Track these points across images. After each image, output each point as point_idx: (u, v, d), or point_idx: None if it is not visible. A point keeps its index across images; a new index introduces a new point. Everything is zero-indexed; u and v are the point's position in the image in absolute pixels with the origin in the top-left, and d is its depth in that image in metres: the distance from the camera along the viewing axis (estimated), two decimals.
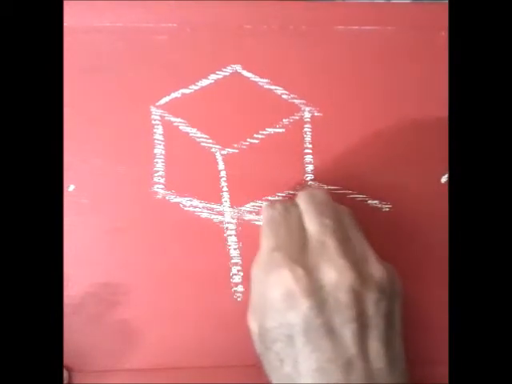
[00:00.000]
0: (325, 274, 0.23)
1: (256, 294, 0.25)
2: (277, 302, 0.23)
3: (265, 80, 0.29)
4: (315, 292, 0.23)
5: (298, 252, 0.24)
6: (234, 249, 0.30)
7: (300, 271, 0.23)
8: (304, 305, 0.22)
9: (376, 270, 0.24)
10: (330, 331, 0.22)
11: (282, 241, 0.25)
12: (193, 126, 0.30)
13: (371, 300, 0.23)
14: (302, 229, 0.25)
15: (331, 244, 0.24)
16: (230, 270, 0.30)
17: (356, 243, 0.25)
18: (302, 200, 0.26)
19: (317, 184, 0.30)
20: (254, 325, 0.25)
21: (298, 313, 0.23)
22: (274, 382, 0.24)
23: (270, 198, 0.30)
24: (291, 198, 0.28)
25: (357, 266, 0.23)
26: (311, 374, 0.22)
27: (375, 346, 0.23)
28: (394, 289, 0.24)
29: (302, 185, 0.30)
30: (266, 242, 0.25)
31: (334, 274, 0.23)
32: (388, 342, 0.23)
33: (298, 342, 0.23)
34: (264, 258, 0.25)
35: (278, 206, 0.27)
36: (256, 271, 0.25)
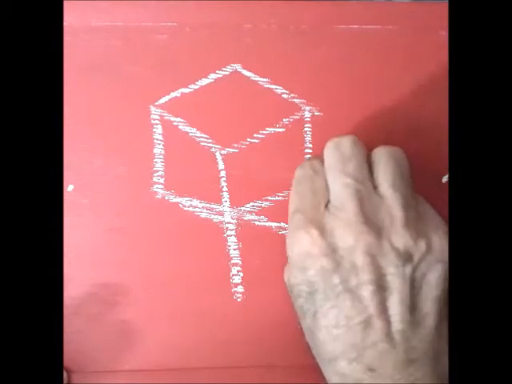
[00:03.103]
0: (340, 238, 0.23)
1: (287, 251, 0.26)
2: (296, 261, 0.24)
3: (265, 79, 0.29)
4: (329, 254, 0.23)
5: (319, 213, 0.24)
6: (234, 249, 0.30)
7: (315, 233, 0.24)
8: (320, 264, 0.23)
9: (400, 236, 0.23)
10: (348, 290, 0.23)
11: (305, 202, 0.25)
12: (192, 126, 0.30)
13: (391, 264, 0.23)
14: (327, 188, 0.25)
15: (350, 205, 0.24)
16: (229, 270, 0.30)
17: (390, 202, 0.24)
18: (326, 154, 0.26)
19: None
20: (285, 277, 0.26)
21: (315, 271, 0.24)
22: (303, 327, 0.25)
23: (270, 197, 0.30)
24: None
25: (378, 230, 0.23)
26: (329, 330, 0.23)
27: (396, 308, 0.23)
28: (426, 256, 0.24)
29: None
30: (291, 204, 0.26)
31: (349, 238, 0.23)
32: (412, 306, 0.23)
33: (318, 298, 0.24)
34: (289, 219, 0.26)
35: (306, 166, 0.26)
36: (288, 231, 0.26)
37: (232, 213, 0.30)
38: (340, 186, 0.24)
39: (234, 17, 0.29)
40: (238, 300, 0.30)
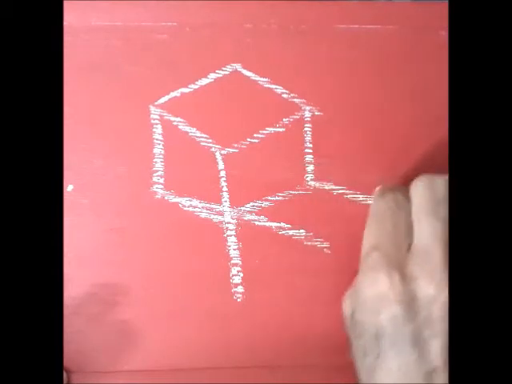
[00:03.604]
0: (422, 288, 0.22)
1: (356, 281, 0.25)
2: (369, 301, 0.23)
3: (265, 79, 0.29)
4: (407, 302, 0.22)
5: (400, 254, 0.23)
6: (234, 249, 0.30)
7: (397, 278, 0.23)
8: (395, 310, 0.22)
9: None
10: (418, 340, 0.22)
11: (385, 239, 0.24)
12: (192, 126, 0.30)
13: None
14: (410, 226, 0.24)
15: (437, 253, 0.23)
16: (229, 270, 0.30)
17: None
18: (416, 192, 0.24)
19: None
20: (347, 309, 0.25)
21: (389, 316, 0.23)
22: (357, 365, 0.24)
23: (270, 197, 0.30)
24: (406, 185, 0.26)
25: None
26: (391, 374, 0.22)
27: None
28: None
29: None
30: (368, 236, 0.25)
31: (431, 289, 0.22)
32: None
33: (384, 342, 0.23)
34: (363, 254, 0.24)
35: (388, 198, 0.25)
36: (362, 267, 0.25)
37: (232, 213, 0.30)
38: (429, 230, 0.23)
39: (234, 17, 0.29)
40: (238, 300, 0.30)
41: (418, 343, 0.22)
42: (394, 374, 0.22)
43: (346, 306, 0.25)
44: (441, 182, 0.24)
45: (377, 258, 0.23)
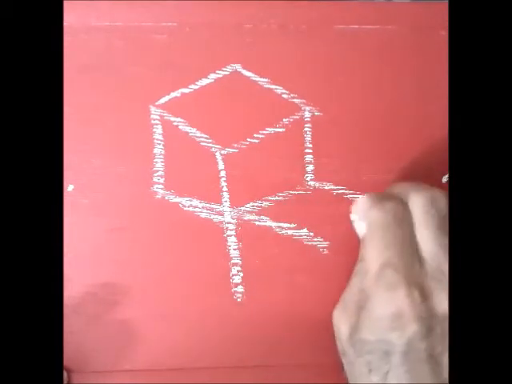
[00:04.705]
0: (440, 305, 0.22)
1: (354, 296, 0.24)
2: (383, 320, 0.22)
3: (265, 79, 0.29)
4: (426, 319, 0.22)
5: (414, 270, 0.23)
6: (234, 249, 0.30)
7: (417, 295, 0.22)
8: (411, 329, 0.22)
9: None
10: (430, 356, 0.22)
11: (396, 255, 0.23)
12: (192, 126, 0.30)
13: None
14: (414, 240, 0.24)
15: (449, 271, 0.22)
16: (229, 270, 0.30)
17: None
18: (417, 206, 0.24)
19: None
20: (343, 327, 0.24)
21: (402, 334, 0.22)
22: (356, 382, 0.24)
23: (270, 197, 0.30)
24: (399, 196, 0.25)
25: None
26: None
27: None
28: None
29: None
30: (376, 252, 0.24)
31: (447, 304, 0.22)
32: None
33: (395, 359, 0.22)
34: (374, 273, 0.23)
35: (388, 209, 0.24)
36: (359, 279, 0.24)
37: (232, 213, 0.30)
38: (439, 247, 0.23)
39: (234, 17, 0.29)
40: (238, 300, 0.30)
41: (431, 359, 0.22)
42: None
43: (341, 325, 0.24)
44: (441, 196, 0.24)
45: (392, 277, 0.23)
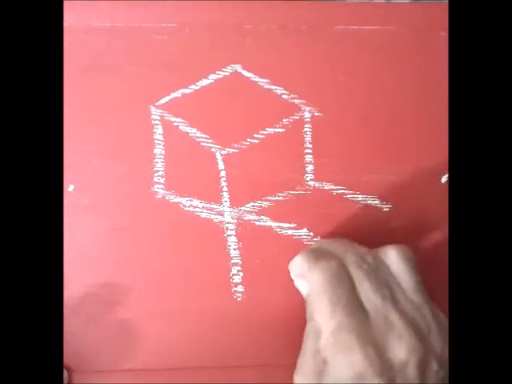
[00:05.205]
0: (395, 354, 0.23)
1: (311, 359, 0.24)
2: (345, 382, 0.23)
3: (265, 80, 0.29)
4: (386, 373, 0.22)
5: (365, 328, 0.23)
6: (234, 249, 0.30)
7: (372, 353, 0.22)
8: None
9: (438, 341, 0.23)
10: None
11: (344, 315, 0.23)
12: (193, 126, 0.30)
13: (432, 371, 0.23)
14: (357, 296, 0.24)
15: (395, 319, 0.23)
16: (230, 270, 0.30)
17: (414, 305, 0.24)
18: (350, 263, 0.25)
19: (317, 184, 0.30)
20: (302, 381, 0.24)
21: None
22: None
23: (270, 197, 0.30)
24: (333, 253, 0.26)
25: (421, 338, 0.23)
26: None
27: None
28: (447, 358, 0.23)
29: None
30: (326, 316, 0.24)
31: (403, 352, 0.23)
32: None
33: None
34: (328, 336, 0.23)
35: (328, 268, 0.24)
36: (312, 341, 0.24)
37: (232, 213, 0.30)
38: (381, 299, 0.24)
39: (234, 17, 0.29)
40: (238, 300, 0.30)
41: None
42: None
43: (298, 378, 0.24)
44: (365, 251, 0.25)
45: (346, 338, 0.23)
